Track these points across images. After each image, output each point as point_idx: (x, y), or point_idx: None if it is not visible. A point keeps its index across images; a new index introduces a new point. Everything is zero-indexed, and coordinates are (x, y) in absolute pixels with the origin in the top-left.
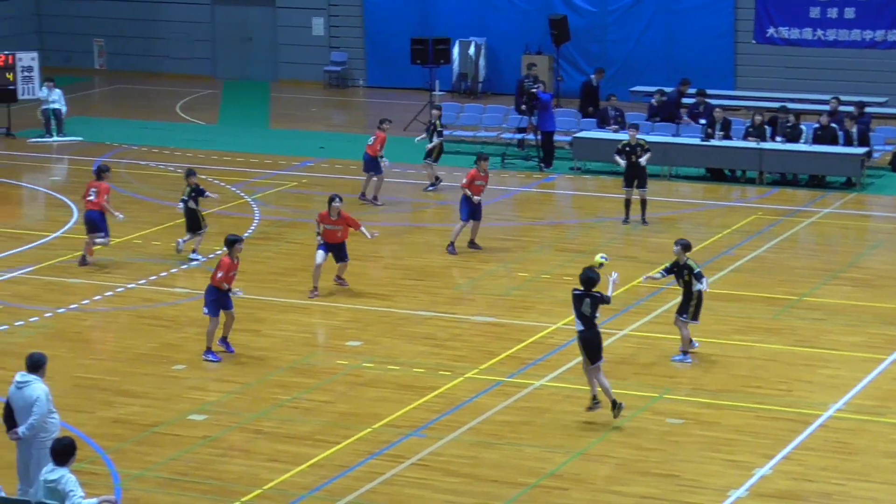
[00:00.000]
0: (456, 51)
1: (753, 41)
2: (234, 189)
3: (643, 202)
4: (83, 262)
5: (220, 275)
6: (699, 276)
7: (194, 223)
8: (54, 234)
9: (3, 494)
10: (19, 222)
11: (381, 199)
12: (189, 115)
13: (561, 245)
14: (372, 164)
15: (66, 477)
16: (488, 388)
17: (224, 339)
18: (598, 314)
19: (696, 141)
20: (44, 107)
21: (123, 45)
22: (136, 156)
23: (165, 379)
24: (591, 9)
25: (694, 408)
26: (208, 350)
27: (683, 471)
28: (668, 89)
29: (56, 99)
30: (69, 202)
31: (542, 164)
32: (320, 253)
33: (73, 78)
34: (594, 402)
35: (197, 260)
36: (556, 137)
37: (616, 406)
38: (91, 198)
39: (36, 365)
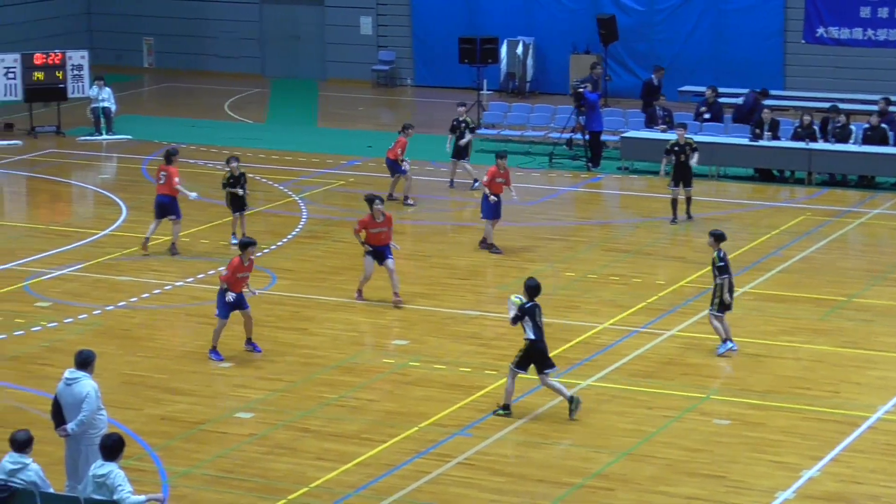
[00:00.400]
0: (504, 50)
1: (803, 41)
2: (281, 188)
3: (688, 199)
4: (173, 251)
5: (224, 273)
6: (722, 270)
7: (237, 204)
8: (103, 232)
9: (52, 490)
10: (69, 220)
11: (413, 199)
12: (237, 113)
13: (608, 245)
14: (394, 168)
15: (115, 472)
16: (535, 387)
17: (249, 341)
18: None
19: (745, 141)
20: (93, 105)
21: (173, 44)
22: (184, 154)
23: (213, 377)
24: (640, 8)
25: (741, 409)
26: (213, 349)
27: (730, 472)
28: (720, 88)
29: (106, 97)
30: (118, 200)
31: (590, 164)
32: (369, 261)
33: (122, 76)
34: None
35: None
36: (604, 137)
37: (573, 401)
38: (161, 181)
39: (85, 362)
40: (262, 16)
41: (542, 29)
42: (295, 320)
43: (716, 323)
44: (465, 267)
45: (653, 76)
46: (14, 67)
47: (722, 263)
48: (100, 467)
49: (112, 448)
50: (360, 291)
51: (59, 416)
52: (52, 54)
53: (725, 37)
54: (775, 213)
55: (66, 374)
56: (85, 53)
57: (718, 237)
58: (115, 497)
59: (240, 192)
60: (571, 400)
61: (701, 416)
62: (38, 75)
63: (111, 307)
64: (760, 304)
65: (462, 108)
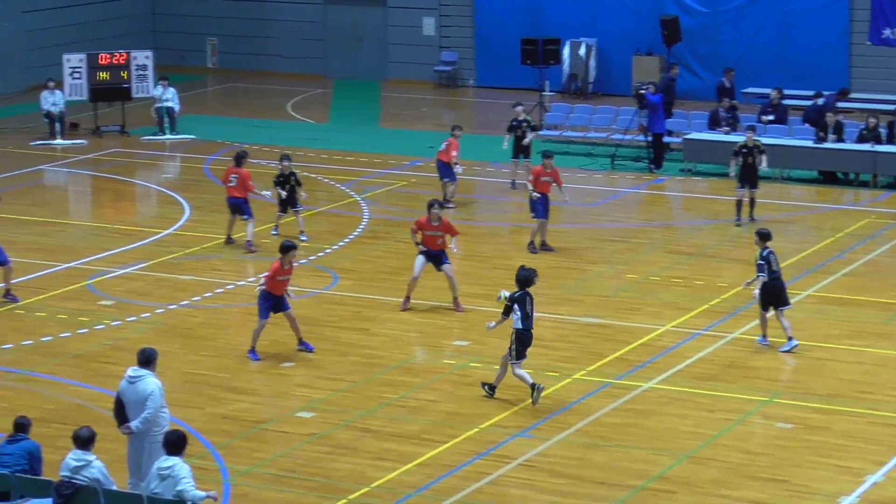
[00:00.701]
0: (566, 51)
1: (869, 42)
2: (343, 188)
3: (752, 201)
4: (249, 247)
5: (265, 276)
6: (760, 269)
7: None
8: (166, 231)
9: (115, 487)
10: (132, 219)
11: (454, 203)
12: (300, 113)
13: (670, 247)
14: (446, 171)
15: (179, 465)
16: (596, 389)
17: (300, 341)
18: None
19: (809, 143)
20: (157, 105)
21: (236, 44)
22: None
23: (274, 376)
24: (703, 9)
25: (804, 412)
26: (251, 350)
27: (793, 476)
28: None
29: (170, 97)
30: (181, 199)
31: (652, 166)
32: (420, 260)
33: (186, 76)
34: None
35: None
36: (667, 139)
37: (536, 388)
38: (232, 184)
39: (147, 360)
40: (325, 16)
41: (605, 30)
42: (356, 320)
43: (784, 321)
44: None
45: (724, 78)
46: (79, 67)
47: (762, 262)
48: (164, 461)
49: (175, 444)
50: (407, 298)
51: (121, 413)
52: (117, 54)
53: (790, 38)
54: (839, 215)
55: (129, 371)
56: (149, 54)
57: (764, 236)
58: (178, 488)
59: (282, 193)
60: (534, 387)
61: (763, 420)
62: (103, 75)
63: (174, 306)
64: (824, 308)
65: (520, 108)
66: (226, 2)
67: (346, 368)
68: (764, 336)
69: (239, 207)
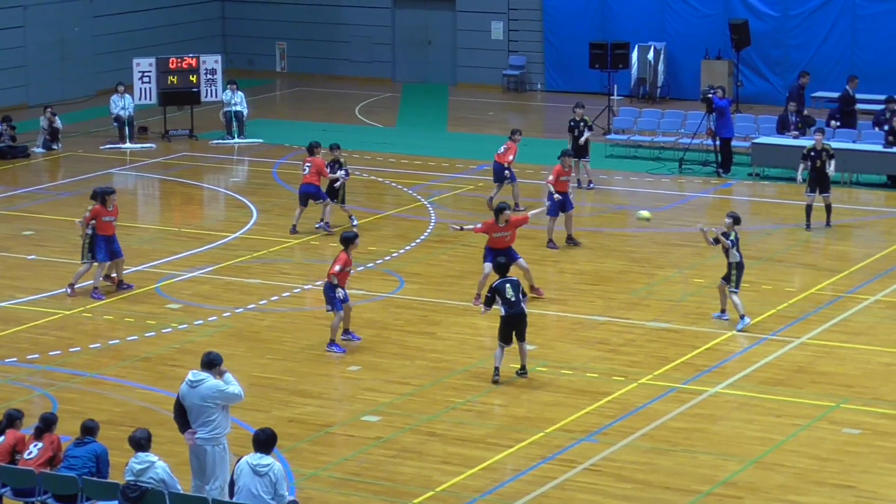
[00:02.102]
0: (635, 55)
1: None
2: (410, 192)
3: (828, 207)
4: (327, 227)
5: (336, 268)
6: (731, 246)
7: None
8: (234, 235)
9: (180, 489)
10: (200, 223)
11: (523, 206)
12: (368, 117)
13: None
14: (500, 174)
15: (276, 464)
16: (662, 394)
17: (347, 331)
18: (523, 296)
19: (878, 148)
20: (226, 109)
21: (305, 49)
22: None
23: (340, 380)
24: (773, 13)
25: (872, 418)
26: (332, 342)
27: (861, 482)
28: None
29: (238, 101)
30: (249, 203)
31: (721, 170)
32: (489, 263)
33: (255, 80)
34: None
35: (325, 230)
36: (735, 143)
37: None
38: (305, 172)
39: (211, 363)
40: (393, 20)
41: (674, 34)
42: (423, 324)
43: (736, 299)
44: (593, 272)
45: (799, 81)
46: (149, 71)
47: (733, 241)
48: (260, 458)
49: (267, 442)
50: (479, 295)
51: (183, 418)
52: (187, 59)
53: (860, 42)
54: None
55: (190, 375)
56: (218, 58)
57: (736, 220)
58: (279, 491)
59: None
60: (524, 368)
61: (831, 425)
62: (172, 79)
63: (241, 309)
64: (893, 313)
65: (580, 110)
66: (295, 6)
67: (412, 372)
68: (723, 311)
69: (312, 194)
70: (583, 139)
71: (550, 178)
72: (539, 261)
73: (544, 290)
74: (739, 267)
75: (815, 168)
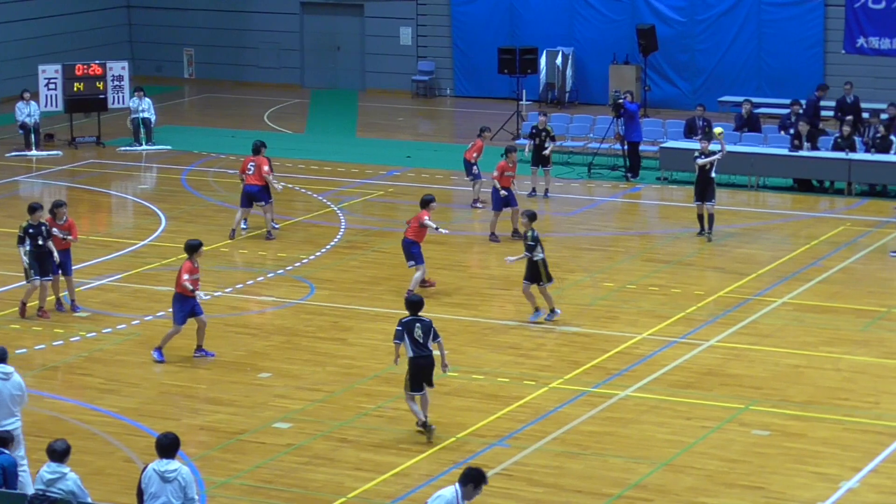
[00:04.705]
0: (543, 60)
1: (843, 51)
2: (320, 198)
3: (710, 217)
4: (269, 236)
5: (185, 277)
6: (529, 248)
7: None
8: (142, 242)
9: (89, 501)
10: (108, 230)
11: (482, 203)
12: (277, 124)
13: (647, 255)
14: (469, 170)
15: (184, 469)
16: (573, 398)
17: (200, 348)
18: (430, 340)
19: (784, 151)
20: (133, 115)
21: (213, 55)
22: (224, 164)
23: (251, 387)
24: (680, 18)
25: (780, 419)
26: (157, 348)
27: (770, 483)
28: (755, 99)
29: (146, 108)
30: (158, 210)
31: (629, 174)
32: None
33: (162, 87)
34: (427, 429)
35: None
36: (644, 147)
37: (428, 428)
38: (250, 172)
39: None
40: (302, 26)
41: (582, 39)
42: (334, 330)
43: (548, 292)
44: (503, 276)
45: (816, 94)
46: (55, 78)
47: (532, 243)
48: (167, 463)
49: (169, 447)
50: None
51: None
52: (93, 65)
53: (766, 47)
54: (815, 223)
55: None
56: (125, 64)
57: (531, 217)
58: (189, 494)
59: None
60: (425, 426)
61: (740, 427)
62: (79, 86)
63: (150, 317)
64: (800, 315)
65: (543, 118)
66: (203, 12)
67: (323, 378)
68: (537, 310)
69: (255, 195)
70: (547, 150)
71: (495, 173)
72: (450, 266)
73: (455, 295)
74: (544, 263)
75: (703, 176)
